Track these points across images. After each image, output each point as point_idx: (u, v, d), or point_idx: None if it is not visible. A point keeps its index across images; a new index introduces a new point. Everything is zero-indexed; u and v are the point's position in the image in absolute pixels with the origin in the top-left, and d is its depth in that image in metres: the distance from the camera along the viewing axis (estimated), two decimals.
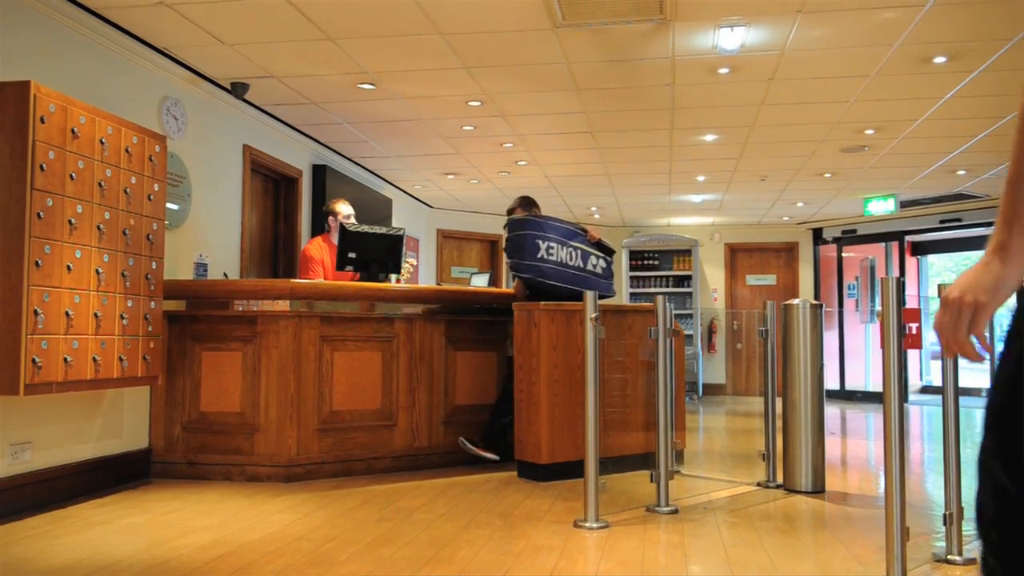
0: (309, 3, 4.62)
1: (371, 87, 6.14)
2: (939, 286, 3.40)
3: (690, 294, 12.64)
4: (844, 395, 11.81)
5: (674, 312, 4.76)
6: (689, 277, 12.71)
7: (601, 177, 9.45)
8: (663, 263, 12.88)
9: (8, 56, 4.16)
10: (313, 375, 5.07)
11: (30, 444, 4.21)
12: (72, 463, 4.50)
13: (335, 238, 5.95)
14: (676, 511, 4.24)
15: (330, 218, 6.07)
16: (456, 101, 6.46)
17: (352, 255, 5.52)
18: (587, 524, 3.89)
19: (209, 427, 5.07)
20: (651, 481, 4.33)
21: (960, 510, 3.41)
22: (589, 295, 4.07)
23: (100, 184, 4.28)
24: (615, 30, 4.96)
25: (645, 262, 12.87)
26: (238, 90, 6.07)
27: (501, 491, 4.69)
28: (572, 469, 4.89)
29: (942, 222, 10.96)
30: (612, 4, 4.57)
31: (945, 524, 3.41)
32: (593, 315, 4.00)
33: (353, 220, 5.96)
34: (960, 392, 3.46)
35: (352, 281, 5.64)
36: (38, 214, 3.86)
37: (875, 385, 11.52)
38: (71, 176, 4.08)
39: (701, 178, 9.54)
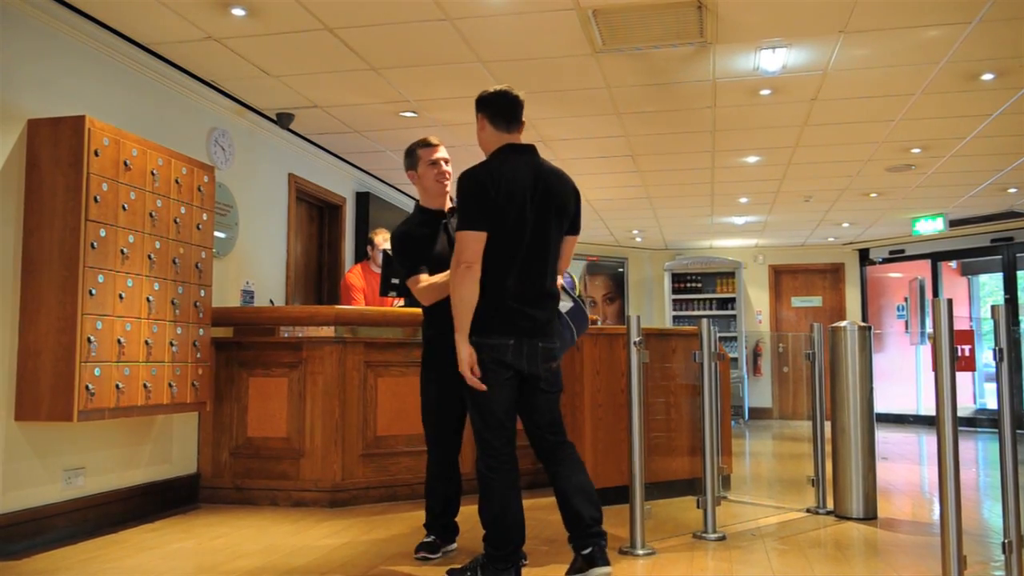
0: (353, 35, 4.72)
1: (413, 115, 6.23)
2: (992, 307, 3.33)
3: (734, 317, 12.50)
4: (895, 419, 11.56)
5: (718, 335, 4.71)
6: (733, 299, 12.58)
7: (642, 200, 9.43)
8: (706, 286, 12.78)
9: (64, 92, 4.30)
10: (357, 400, 5.10)
11: (83, 470, 4.29)
12: (123, 488, 4.58)
13: (374, 266, 6.07)
14: (724, 537, 4.17)
15: (368, 247, 6.21)
16: None
17: (395, 281, 5.56)
18: (633, 551, 3.85)
19: (256, 452, 5.12)
20: (697, 507, 4.27)
21: (1020, 538, 3.29)
22: (634, 319, 4.05)
23: (151, 214, 4.39)
24: (655, 54, 4.97)
25: (688, 285, 12.78)
26: (283, 120, 6.20)
27: (545, 517, 4.66)
28: (617, 494, 4.84)
29: (993, 241, 10.72)
30: (652, 28, 4.58)
31: (1004, 552, 3.30)
32: (636, 339, 3.98)
33: None
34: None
35: (394, 307, 5.69)
36: (92, 244, 3.96)
37: (927, 409, 11.25)
38: (123, 207, 4.19)
39: (744, 200, 9.47)
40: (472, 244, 3.11)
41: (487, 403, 3.16)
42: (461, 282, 3.10)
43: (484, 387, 3.11)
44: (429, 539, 3.82)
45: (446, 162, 3.86)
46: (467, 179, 3.22)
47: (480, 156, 3.45)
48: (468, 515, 4.04)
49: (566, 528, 3.24)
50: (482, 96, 3.38)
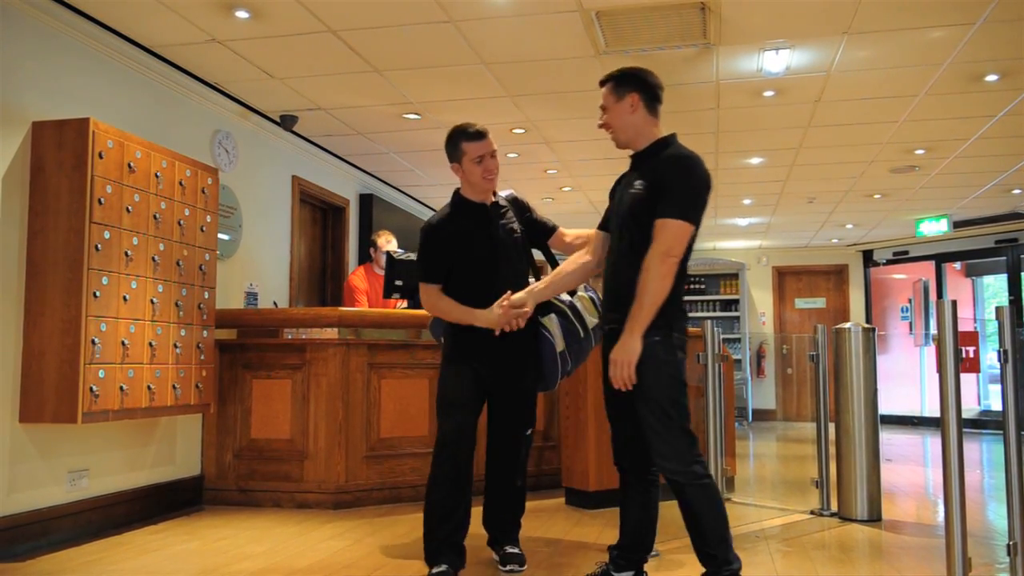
0: (356, 37, 4.72)
1: (417, 117, 6.23)
2: (997, 308, 3.32)
3: (738, 318, 12.49)
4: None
5: (722, 337, 4.70)
6: (736, 301, 12.57)
7: None
8: (710, 287, 12.76)
9: (69, 95, 4.30)
10: (361, 402, 5.10)
11: (87, 471, 4.30)
12: (127, 490, 4.58)
13: (378, 268, 6.07)
14: None
15: (371, 249, 6.21)
16: (500, 129, 6.51)
17: (399, 283, 5.57)
18: None
19: (259, 454, 5.13)
20: None
21: None
22: None
23: (155, 216, 4.40)
24: (659, 55, 4.97)
25: (691, 286, 12.76)
26: (287, 122, 6.20)
27: (549, 519, 4.66)
28: None
29: (997, 242, 10.71)
30: (655, 30, 4.58)
31: (1009, 554, 3.29)
32: None
33: (396, 249, 6.04)
34: None
35: (397, 308, 5.69)
36: (96, 246, 3.97)
37: (931, 410, 11.23)
38: (127, 209, 4.19)
39: (747, 201, 9.46)
40: (686, 238, 2.82)
41: (686, 399, 2.92)
42: (667, 275, 2.80)
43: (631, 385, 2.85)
44: (440, 569, 3.25)
45: (494, 155, 3.39)
46: (696, 165, 2.89)
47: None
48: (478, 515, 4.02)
49: (640, 544, 3.12)
50: (636, 73, 3.00)
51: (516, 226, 3.52)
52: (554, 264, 3.53)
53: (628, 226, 2.94)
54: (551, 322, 3.46)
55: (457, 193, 3.55)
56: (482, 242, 3.42)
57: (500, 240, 3.45)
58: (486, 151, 3.36)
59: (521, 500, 3.67)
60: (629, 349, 2.80)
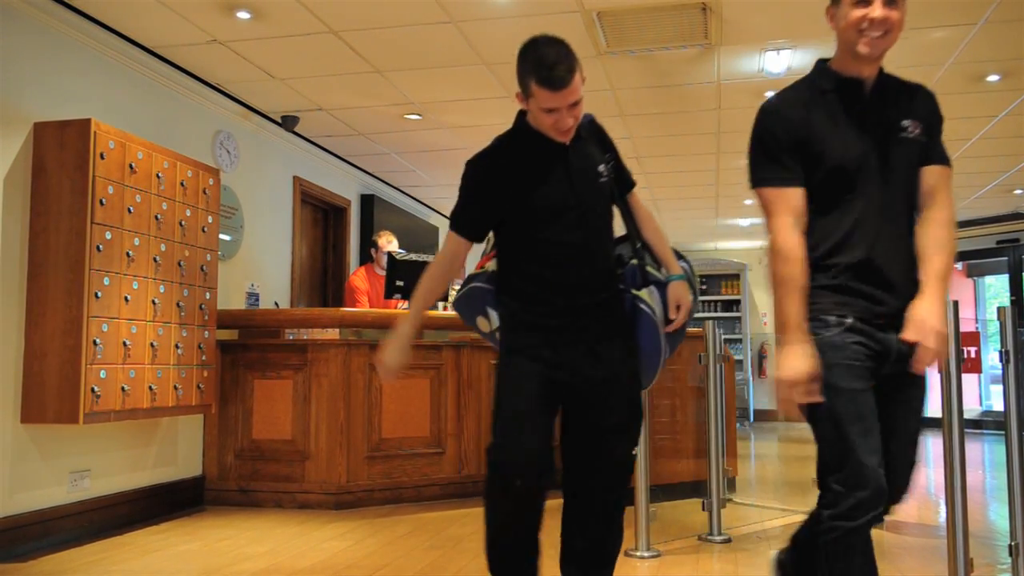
0: (357, 37, 4.72)
1: (418, 118, 6.23)
2: (998, 308, 3.32)
3: (739, 319, 12.47)
4: None
5: (723, 337, 4.70)
6: (738, 301, 12.55)
7: (647, 202, 9.31)
8: (711, 287, 12.75)
9: (70, 95, 4.31)
10: (362, 403, 5.10)
11: (89, 472, 4.30)
12: (129, 490, 4.58)
13: (379, 269, 6.08)
14: (729, 540, 4.16)
15: (372, 250, 6.22)
16: (502, 129, 6.49)
17: (400, 283, 5.58)
18: (638, 553, 3.84)
19: (261, 454, 5.13)
20: (703, 509, 4.27)
21: None
22: None
23: (156, 217, 4.40)
24: (660, 56, 4.97)
25: None
26: (288, 123, 6.21)
27: (551, 519, 4.64)
28: None
29: (999, 243, 10.69)
30: (657, 31, 4.58)
31: (1011, 555, 3.29)
32: None
33: (398, 249, 6.04)
34: None
35: (397, 309, 5.69)
36: (97, 247, 3.97)
37: (933, 411, 11.20)
38: (129, 210, 4.20)
39: (748, 201, 9.45)
40: None
41: None
42: None
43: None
44: None
45: (574, 106, 2.42)
46: None
47: None
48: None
49: None
50: None
51: (603, 167, 2.56)
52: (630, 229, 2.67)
53: (909, 181, 2.33)
54: (651, 295, 2.53)
55: (522, 117, 2.57)
56: (554, 188, 2.44)
57: (579, 187, 2.48)
58: (561, 104, 2.38)
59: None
60: (946, 320, 2.13)
